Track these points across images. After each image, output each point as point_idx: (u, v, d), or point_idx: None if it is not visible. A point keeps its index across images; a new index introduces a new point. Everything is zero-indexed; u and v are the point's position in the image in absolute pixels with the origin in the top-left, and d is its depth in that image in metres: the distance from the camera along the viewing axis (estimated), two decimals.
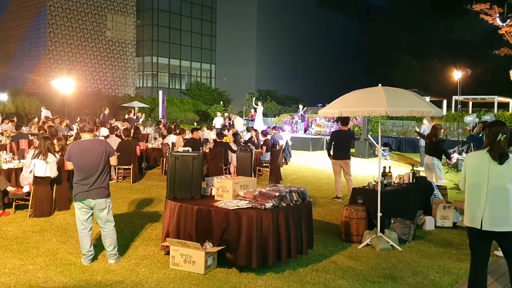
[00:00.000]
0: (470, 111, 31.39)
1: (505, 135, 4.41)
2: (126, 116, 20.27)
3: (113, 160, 6.03)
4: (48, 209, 8.12)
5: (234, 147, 12.24)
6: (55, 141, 8.96)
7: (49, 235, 7.01)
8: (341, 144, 10.28)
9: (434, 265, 6.08)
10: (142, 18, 51.14)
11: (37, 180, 8.01)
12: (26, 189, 8.17)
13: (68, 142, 11.48)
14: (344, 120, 10.41)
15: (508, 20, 13.28)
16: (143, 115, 26.43)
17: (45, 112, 24.53)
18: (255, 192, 5.75)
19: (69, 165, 5.93)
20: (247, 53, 53.29)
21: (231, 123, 22.81)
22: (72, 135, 14.72)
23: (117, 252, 5.94)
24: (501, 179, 4.36)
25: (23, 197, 8.21)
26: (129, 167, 11.78)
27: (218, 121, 24.26)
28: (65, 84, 23.79)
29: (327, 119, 23.66)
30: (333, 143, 10.24)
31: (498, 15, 13.64)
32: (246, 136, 16.74)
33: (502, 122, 4.72)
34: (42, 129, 14.73)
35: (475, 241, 4.56)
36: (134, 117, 21.69)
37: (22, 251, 6.24)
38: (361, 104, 6.74)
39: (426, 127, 15.99)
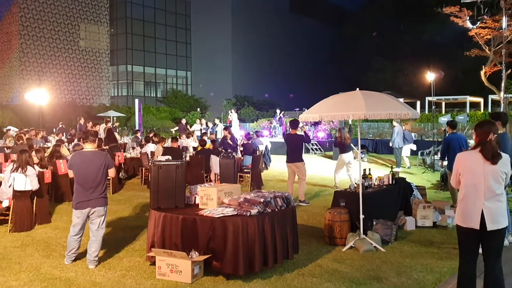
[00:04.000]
0: (443, 111, 32.03)
1: (496, 135, 4.46)
2: (104, 126, 19.91)
3: (112, 172, 6.38)
4: (29, 223, 7.99)
5: (216, 153, 12.25)
6: (33, 153, 8.85)
7: (31, 249, 6.91)
8: (289, 147, 10.43)
9: (417, 264, 6.19)
10: (116, 27, 50.76)
11: (17, 194, 7.88)
12: (5, 203, 8.03)
13: (45, 154, 11.33)
14: (292, 123, 10.44)
15: (478, 22, 13.63)
16: (118, 124, 26.05)
17: (13, 131, 24.01)
18: (240, 199, 5.78)
19: (70, 173, 6.31)
20: (223, 59, 53.34)
21: (211, 129, 22.76)
22: (49, 147, 14.49)
23: (98, 258, 6.20)
24: (495, 178, 4.40)
25: (2, 212, 8.06)
26: (108, 177, 11.64)
27: (196, 128, 24.20)
28: (39, 95, 23.44)
29: (305, 123, 23.77)
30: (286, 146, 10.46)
31: (468, 17, 13.98)
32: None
33: (492, 121, 4.77)
34: (21, 139, 14.45)
35: (467, 240, 4.55)
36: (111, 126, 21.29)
37: (4, 267, 6.13)
38: (340, 108, 6.85)
39: (398, 129, 16.31)
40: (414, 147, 17.37)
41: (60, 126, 23.69)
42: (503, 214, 4.46)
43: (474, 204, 4.43)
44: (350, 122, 13.65)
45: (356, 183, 7.80)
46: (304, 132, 10.82)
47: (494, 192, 4.40)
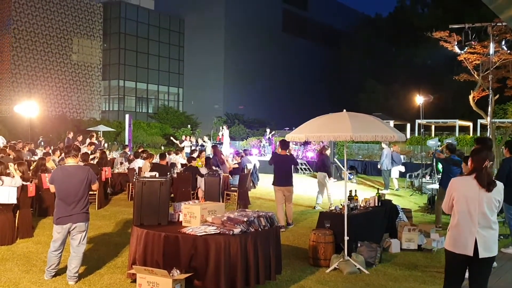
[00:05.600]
0: (433, 135, 32.28)
1: (491, 162, 4.46)
2: (88, 141, 19.75)
3: (95, 186, 6.37)
4: (10, 237, 7.88)
5: (204, 171, 12.19)
6: (15, 166, 8.75)
7: (11, 264, 6.80)
8: (280, 170, 9.74)
9: (400, 287, 6.16)
10: (109, 42, 50.85)
11: None
12: None
13: (31, 167, 11.24)
14: (283, 144, 9.78)
15: (466, 47, 13.81)
16: (103, 139, 25.88)
17: (1, 140, 23.86)
18: (223, 217, 5.75)
19: (51, 188, 6.25)
20: (215, 77, 53.48)
21: (200, 147, 22.70)
22: (35, 160, 14.37)
23: (78, 274, 6.11)
24: (489, 205, 4.40)
25: None
26: (94, 192, 11.54)
27: (186, 145, 24.15)
28: (29, 108, 23.32)
29: (294, 143, 23.91)
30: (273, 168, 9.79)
31: (456, 42, 14.17)
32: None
33: (489, 147, 4.76)
34: (4, 152, 14.34)
35: (457, 266, 4.54)
36: (97, 142, 21.17)
37: None
38: (326, 129, 6.87)
39: (386, 151, 16.45)
40: (402, 168, 17.45)
41: (41, 139, 23.55)
42: (495, 241, 4.47)
43: (468, 231, 4.41)
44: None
45: (342, 204, 7.79)
46: (290, 153, 10.48)
47: (489, 220, 4.40)
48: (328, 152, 13.02)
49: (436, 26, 18.62)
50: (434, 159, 14.81)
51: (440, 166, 10.65)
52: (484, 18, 15.24)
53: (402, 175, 17.79)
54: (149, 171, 11.40)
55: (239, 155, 15.19)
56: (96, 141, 19.68)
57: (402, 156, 21.25)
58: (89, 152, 15.64)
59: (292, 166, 10.14)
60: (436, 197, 10.98)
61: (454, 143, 16.93)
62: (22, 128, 28.03)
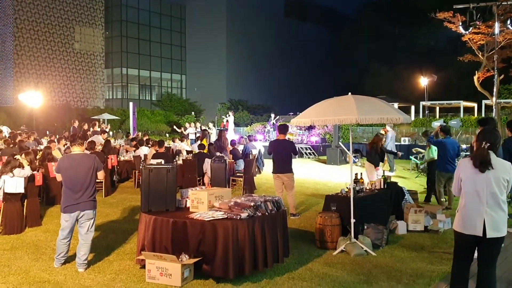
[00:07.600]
0: (438, 116, 32.18)
1: (489, 144, 4.42)
2: (92, 129, 19.64)
3: (101, 174, 6.39)
4: (19, 226, 7.95)
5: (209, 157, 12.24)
6: (23, 155, 8.80)
7: (20, 252, 6.87)
8: (279, 156, 9.16)
9: (407, 269, 6.19)
10: (111, 30, 50.72)
11: (7, 197, 7.84)
12: None
13: (37, 157, 11.28)
14: (281, 128, 9.31)
15: (471, 28, 13.68)
16: (109, 125, 25.91)
17: (6, 129, 23.93)
18: (230, 202, 5.77)
19: (58, 177, 6.25)
20: (217, 63, 53.35)
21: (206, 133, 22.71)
22: (41, 150, 14.42)
23: (87, 261, 6.17)
24: (497, 184, 4.38)
25: None
26: (101, 180, 11.59)
27: (191, 132, 24.15)
28: (32, 97, 23.38)
29: (298, 128, 23.95)
30: (271, 154, 9.20)
31: (461, 23, 14.05)
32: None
33: (493, 130, 4.73)
34: (8, 142, 14.39)
35: (466, 247, 4.55)
36: (99, 130, 21.09)
37: None
38: (332, 112, 6.84)
39: (391, 133, 16.47)
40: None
41: (23, 127, 23.58)
42: (505, 222, 4.44)
43: (477, 211, 4.40)
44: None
45: (347, 187, 7.80)
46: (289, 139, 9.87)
47: (498, 199, 4.39)
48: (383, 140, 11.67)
49: (439, 7, 18.45)
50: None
51: (434, 149, 10.59)
52: None
53: (405, 157, 17.81)
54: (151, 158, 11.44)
55: (232, 143, 14.94)
56: (98, 129, 19.66)
57: (406, 138, 21.33)
58: (103, 140, 15.69)
59: (292, 154, 9.21)
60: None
61: (454, 123, 16.94)
62: (27, 117, 28.15)
